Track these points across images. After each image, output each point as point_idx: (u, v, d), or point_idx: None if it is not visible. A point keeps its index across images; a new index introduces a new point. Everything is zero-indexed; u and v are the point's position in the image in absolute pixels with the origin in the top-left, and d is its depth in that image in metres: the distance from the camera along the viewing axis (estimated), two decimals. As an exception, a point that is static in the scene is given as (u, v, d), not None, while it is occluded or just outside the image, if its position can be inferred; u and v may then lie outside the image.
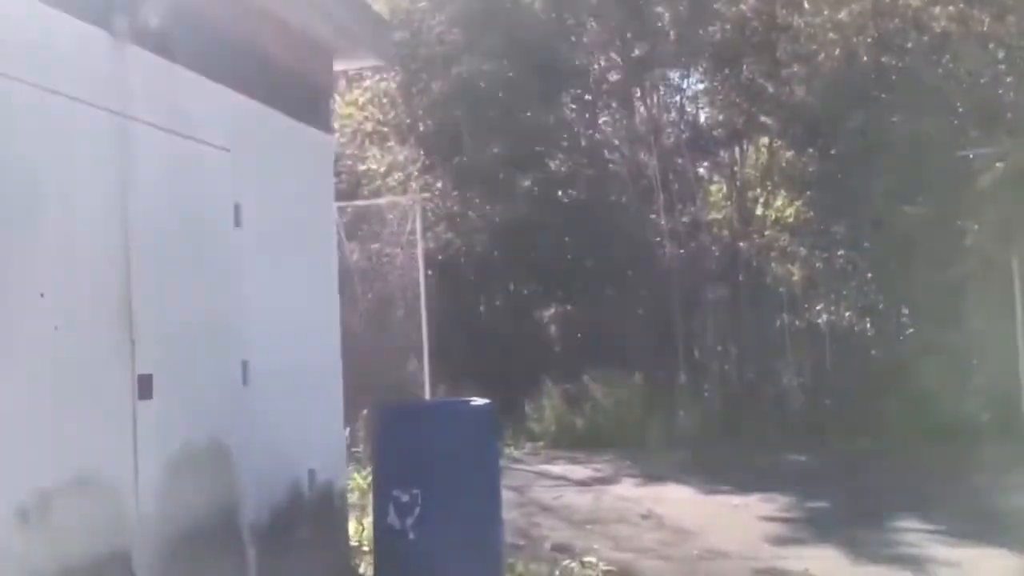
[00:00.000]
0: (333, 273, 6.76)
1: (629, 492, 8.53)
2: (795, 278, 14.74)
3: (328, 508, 6.32)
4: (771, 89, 15.62)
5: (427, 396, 11.62)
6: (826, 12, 13.64)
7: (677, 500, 8.09)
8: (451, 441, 4.81)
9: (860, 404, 11.06)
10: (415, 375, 12.11)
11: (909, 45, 11.73)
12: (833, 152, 13.36)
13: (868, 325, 12.40)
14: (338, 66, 7.03)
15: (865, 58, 12.17)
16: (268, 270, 5.74)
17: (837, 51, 12.37)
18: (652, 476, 9.38)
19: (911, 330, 11.41)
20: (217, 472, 5.17)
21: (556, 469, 10.05)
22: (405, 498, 4.75)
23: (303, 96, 6.47)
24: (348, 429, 9.49)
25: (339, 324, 6.70)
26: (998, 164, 10.17)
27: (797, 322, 12.97)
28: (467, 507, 4.78)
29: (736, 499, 8.03)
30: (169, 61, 5.01)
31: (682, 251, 15.23)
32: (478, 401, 5.20)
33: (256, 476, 5.47)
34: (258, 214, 5.68)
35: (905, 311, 11.76)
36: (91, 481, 4.16)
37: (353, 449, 10.11)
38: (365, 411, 10.48)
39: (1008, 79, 11.13)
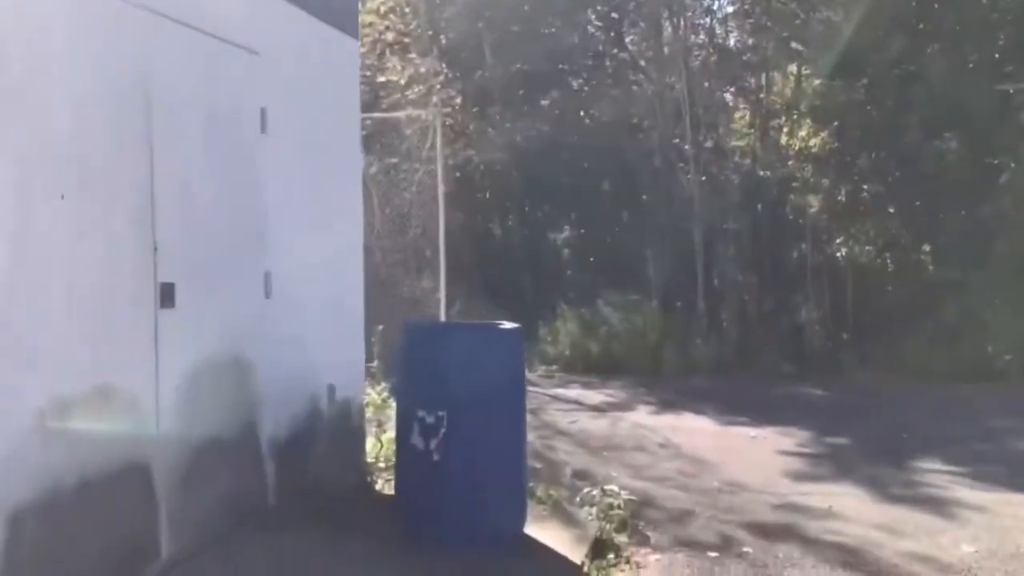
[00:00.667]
0: (357, 186, 6.54)
1: (645, 420, 8.42)
2: (815, 210, 14.49)
3: (347, 424, 6.21)
4: (803, 15, 15.15)
5: (442, 314, 11.48)
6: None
7: (694, 430, 7.98)
8: (480, 365, 4.64)
9: (879, 340, 10.90)
10: (429, 291, 11.96)
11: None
12: (864, 82, 12.94)
13: (889, 261, 12.14)
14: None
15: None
16: (293, 180, 5.53)
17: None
18: (668, 404, 9.26)
19: (933, 267, 11.18)
20: (238, 385, 5.03)
21: (571, 393, 9.93)
22: (431, 419, 4.60)
23: (331, -1, 6.16)
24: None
25: (362, 238, 6.51)
26: (1040, 100, 9.82)
27: (817, 255, 12.72)
28: (493, 432, 4.64)
29: (753, 431, 7.90)
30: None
31: (704, 178, 14.93)
32: (507, 325, 5.02)
33: (276, 390, 5.34)
34: (284, 121, 5.44)
35: (927, 248, 11.50)
36: (111, 390, 4.02)
37: (368, 363, 10.01)
38: (380, 326, 10.36)
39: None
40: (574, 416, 8.59)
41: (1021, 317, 10.08)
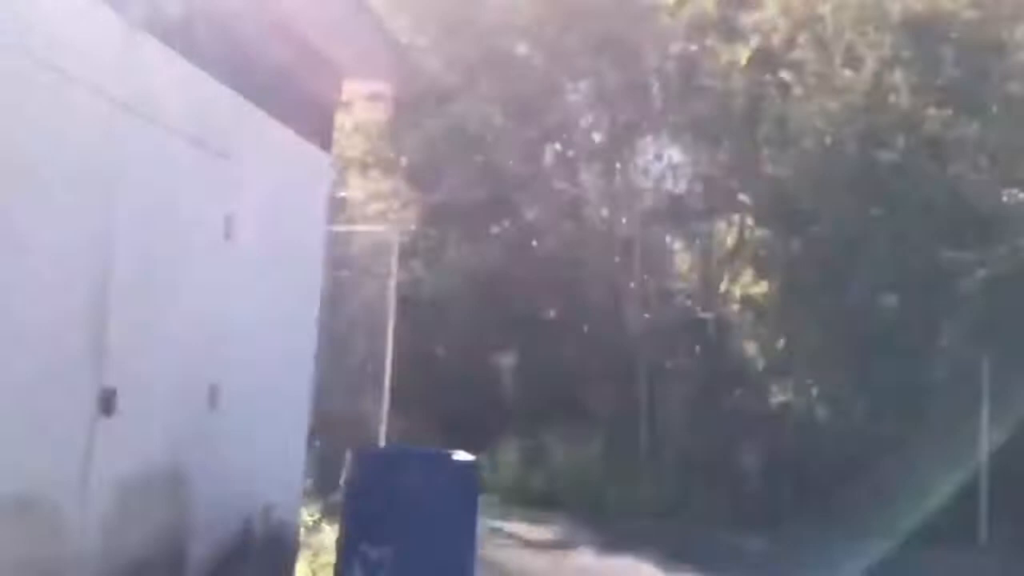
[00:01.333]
0: (316, 301, 6.32)
1: (588, 561, 8.06)
2: (756, 358, 14.58)
3: (280, 548, 5.80)
4: (752, 168, 15.57)
5: (382, 436, 11.09)
6: (815, 100, 13.62)
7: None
8: (432, 500, 4.35)
9: (818, 493, 10.73)
10: (370, 412, 11.56)
11: (899, 142, 11.62)
12: (809, 239, 13.20)
13: (829, 414, 12.11)
14: (350, 86, 6.64)
15: (852, 150, 12.05)
16: (252, 290, 5.28)
17: (827, 139, 12.26)
18: (610, 545, 8.91)
19: (873, 425, 11.16)
20: (171, 501, 4.66)
21: (511, 527, 9.52)
22: (374, 555, 4.26)
23: (310, 111, 6.07)
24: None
25: (314, 354, 6.25)
26: (979, 270, 10.04)
27: (759, 402, 12.67)
28: (441, 572, 4.32)
29: (699, 581, 7.60)
30: (178, 53, 4.58)
31: (648, 316, 14.95)
32: (462, 455, 4.74)
33: (211, 508, 4.97)
34: (249, 228, 5.23)
35: (868, 405, 11.52)
36: (32, 499, 3.64)
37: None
38: (317, 442, 9.92)
39: (993, 188, 11.06)
40: (515, 553, 8.19)
41: (957, 481, 10.03)
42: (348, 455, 4.81)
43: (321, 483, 10.06)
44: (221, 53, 4.97)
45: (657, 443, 11.77)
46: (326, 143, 6.22)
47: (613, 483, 10.93)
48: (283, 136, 5.69)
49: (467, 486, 4.49)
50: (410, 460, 4.62)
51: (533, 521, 9.90)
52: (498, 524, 9.58)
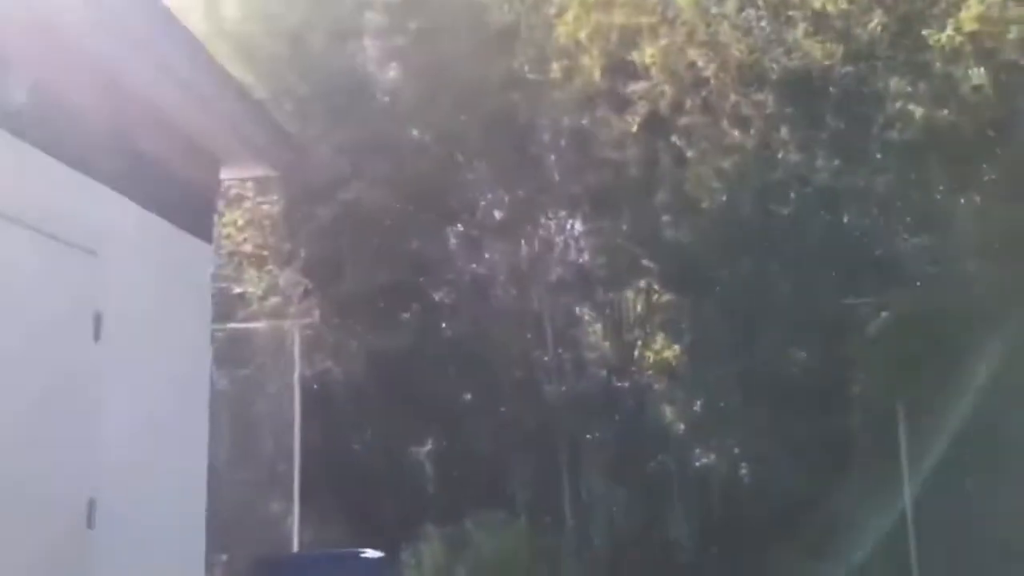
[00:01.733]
0: (204, 401, 5.91)
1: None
2: (673, 422, 14.48)
3: None
4: (653, 235, 15.73)
5: (295, 540, 10.52)
6: (708, 163, 13.88)
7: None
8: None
9: (747, 555, 10.56)
10: (281, 516, 11.00)
11: (792, 196, 11.86)
12: (715, 299, 13.30)
13: (753, 474, 12.02)
14: (227, 173, 6.36)
15: (748, 208, 12.24)
16: (130, 393, 4.88)
17: (723, 198, 12.43)
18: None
19: (792, 482, 11.08)
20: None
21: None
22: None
23: (185, 202, 5.76)
24: (206, 577, 8.34)
25: (206, 459, 5.82)
26: (882, 314, 10.17)
27: (681, 467, 12.52)
28: None
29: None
30: (32, 146, 4.26)
31: (564, 388, 14.76)
32: (369, 554, 4.38)
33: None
34: (123, 327, 4.85)
35: (789, 461, 11.46)
36: None
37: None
38: (224, 556, 9.33)
39: (887, 233, 11.33)
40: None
41: (883, 533, 9.98)
42: (247, 570, 4.41)
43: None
44: (84, 144, 4.66)
45: (582, 519, 11.45)
46: (206, 233, 5.91)
47: (540, 565, 10.54)
48: (158, 228, 5.37)
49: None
50: (309, 565, 4.16)
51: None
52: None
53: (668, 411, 15.06)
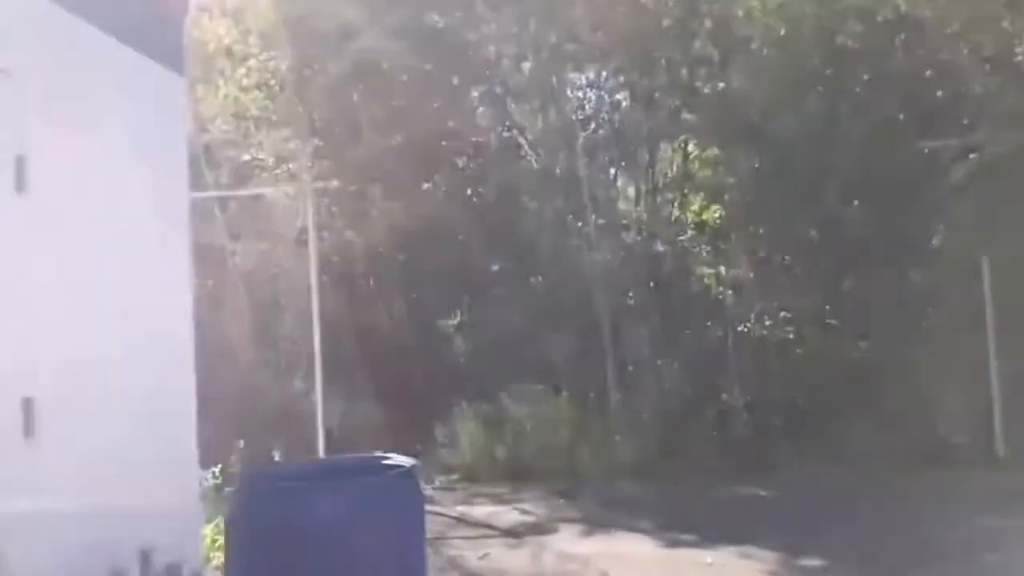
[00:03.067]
0: (182, 266, 4.69)
1: (573, 546, 6.60)
2: (721, 287, 13.33)
3: (173, 605, 4.25)
4: (692, 85, 14.20)
5: (319, 422, 9.57)
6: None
7: (636, 558, 6.21)
8: (360, 533, 2.87)
9: (813, 426, 9.50)
10: (303, 394, 10.03)
11: (858, 29, 10.24)
12: (766, 150, 11.86)
13: (811, 339, 10.84)
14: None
15: (810, 42, 10.64)
16: (70, 258, 3.68)
17: (781, 31, 10.81)
18: (595, 521, 7.46)
19: (863, 346, 9.93)
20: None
21: (477, 512, 8.04)
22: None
23: (142, 18, 4.41)
24: (217, 468, 7.38)
25: (192, 334, 4.65)
26: (970, 156, 8.76)
27: (733, 333, 11.39)
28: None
29: (708, 555, 6.22)
30: None
31: (599, 255, 13.55)
32: (398, 461, 3.23)
33: (53, 568, 3.41)
34: (57, 174, 3.61)
35: (856, 324, 10.27)
36: None
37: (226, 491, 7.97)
38: (242, 442, 8.38)
39: (977, 63, 9.75)
40: (485, 546, 6.74)
41: (967, 394, 8.85)
42: (237, 481, 3.31)
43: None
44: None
45: (628, 391, 10.39)
46: (171, 60, 4.57)
47: (585, 443, 9.54)
48: (103, 48, 4.06)
49: (405, 506, 2.98)
50: (319, 479, 3.08)
51: (502, 501, 8.43)
52: (463, 509, 8.14)
53: (711, 276, 13.89)
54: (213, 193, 11.13)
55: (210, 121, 12.85)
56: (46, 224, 3.52)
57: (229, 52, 12.92)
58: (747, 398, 9.82)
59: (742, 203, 13.57)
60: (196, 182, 12.18)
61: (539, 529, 7.25)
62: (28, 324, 3.43)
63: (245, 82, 13.13)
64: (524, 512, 7.88)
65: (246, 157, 12.63)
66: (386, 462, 3.21)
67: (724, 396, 9.93)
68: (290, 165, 12.68)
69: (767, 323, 11.11)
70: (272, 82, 13.08)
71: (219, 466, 7.36)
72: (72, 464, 3.53)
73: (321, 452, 9.45)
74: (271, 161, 12.78)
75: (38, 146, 3.56)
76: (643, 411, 9.79)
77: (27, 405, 3.39)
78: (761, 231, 12.43)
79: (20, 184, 3.45)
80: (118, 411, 3.81)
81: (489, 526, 7.42)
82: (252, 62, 13.10)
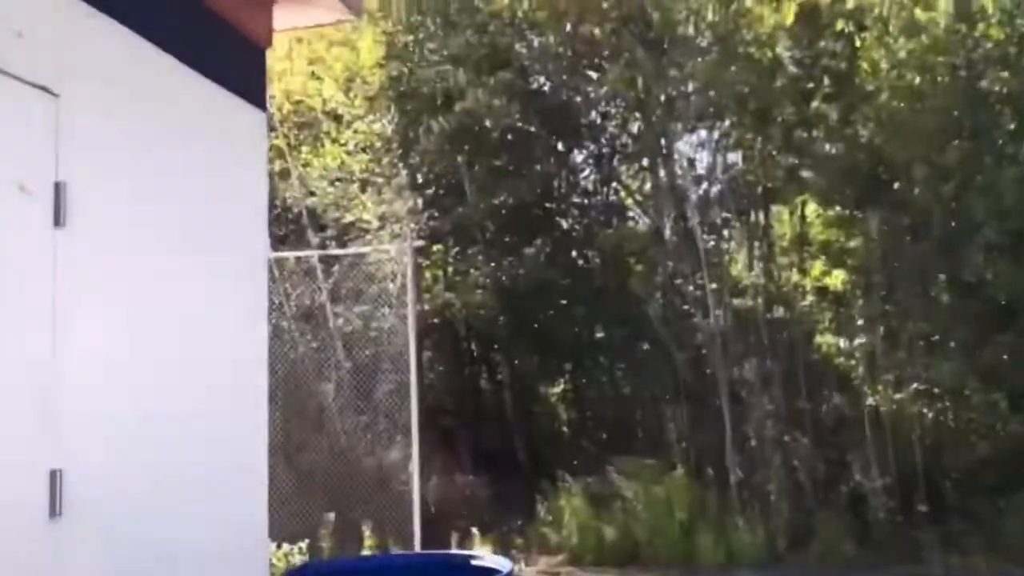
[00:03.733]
0: (255, 318, 4.15)
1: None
2: (850, 354, 12.26)
3: None
4: (810, 139, 13.34)
5: (415, 492, 8.90)
6: (886, 49, 11.37)
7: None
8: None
9: (965, 511, 8.34)
10: (400, 464, 9.40)
11: (1001, 75, 9.28)
12: (897, 206, 10.88)
13: (956, 412, 9.69)
14: (286, 16, 4.53)
15: (949, 89, 9.71)
16: (119, 306, 3.14)
17: (916, 80, 9.93)
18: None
19: (1018, 419, 8.76)
20: None
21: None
22: None
23: (220, 47, 3.97)
24: (304, 544, 6.78)
25: (264, 400, 4.07)
26: None
27: (860, 406, 10.30)
28: None
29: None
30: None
31: (712, 320, 12.65)
32: (488, 559, 2.52)
33: None
34: (106, 205, 3.11)
35: (1007, 395, 9.12)
36: None
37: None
38: (331, 515, 7.77)
39: None
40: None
41: None
42: None
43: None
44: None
45: (751, 468, 9.41)
46: (252, 94, 4.11)
47: (705, 524, 8.59)
48: (173, 74, 3.60)
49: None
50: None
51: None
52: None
53: (834, 344, 12.83)
54: (315, 252, 10.80)
55: (315, 182, 12.67)
56: (87, 260, 2.98)
57: (335, 115, 12.76)
58: (886, 479, 8.72)
59: (869, 266, 12.57)
60: (300, 241, 11.94)
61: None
62: (62, 382, 2.87)
63: (351, 143, 12.93)
64: (637, 604, 6.97)
65: (349, 218, 12.33)
66: (476, 562, 2.49)
67: (858, 476, 8.85)
68: (393, 226, 12.31)
69: (902, 395, 9.99)
70: (377, 144, 12.82)
71: (306, 541, 6.75)
72: (105, 550, 2.93)
73: (416, 526, 8.76)
74: (374, 223, 12.44)
75: (84, 172, 3.04)
76: (768, 491, 8.79)
77: (55, 479, 2.82)
78: (891, 295, 11.36)
79: (59, 217, 2.93)
80: (178, 490, 3.21)
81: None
82: (358, 124, 12.90)
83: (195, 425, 3.35)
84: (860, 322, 11.59)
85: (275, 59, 12.70)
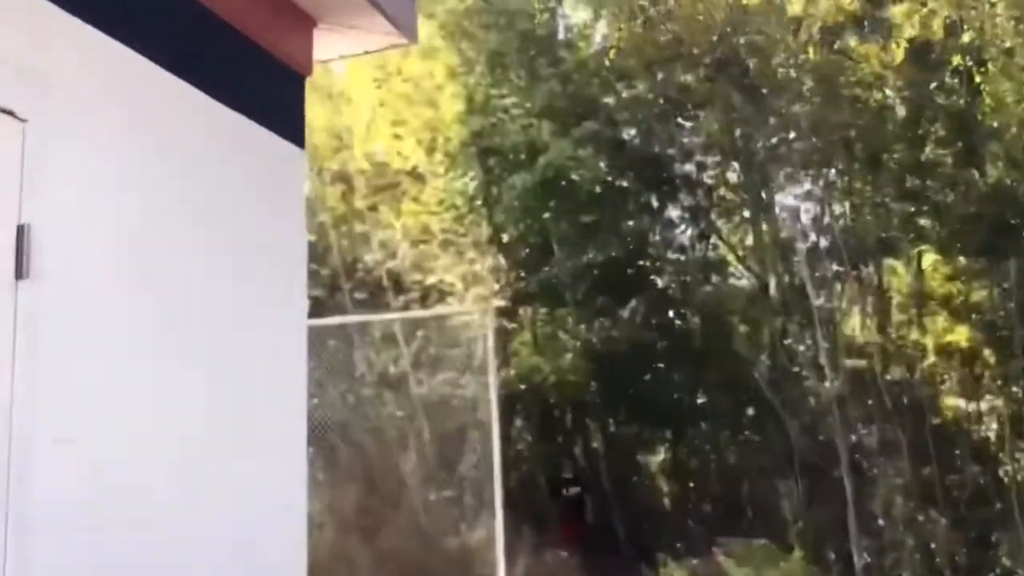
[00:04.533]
0: (299, 396, 3.52)
1: None
2: (981, 421, 11.08)
3: None
4: (930, 186, 12.31)
5: (501, 573, 8.14)
6: (1011, 80, 10.42)
7: None
8: None
9: None
10: (484, 545, 8.65)
11: None
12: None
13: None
14: (328, 46, 4.00)
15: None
16: (93, 394, 2.56)
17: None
18: None
19: None
20: None
21: None
22: None
23: (248, 71, 3.44)
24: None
25: (303, 479, 3.42)
26: None
27: (1007, 478, 9.14)
28: None
29: None
30: None
31: (825, 383, 11.60)
32: None
33: None
34: (83, 254, 2.54)
35: None
36: None
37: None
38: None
39: None
40: None
41: None
42: None
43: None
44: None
45: (878, 551, 8.32)
46: (285, 127, 3.55)
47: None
48: (183, 99, 3.08)
49: None
50: None
51: None
52: None
53: (962, 407, 11.63)
54: (397, 315, 10.27)
55: (395, 243, 12.25)
56: (56, 325, 2.39)
57: (414, 173, 12.38)
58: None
59: (998, 321, 11.45)
60: (378, 303, 11.47)
61: None
62: (23, 475, 2.28)
63: (431, 202, 12.50)
64: None
65: (431, 280, 11.83)
66: None
67: (1006, 560, 7.68)
68: (476, 288, 11.76)
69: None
70: (459, 202, 12.36)
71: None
72: None
73: (501, 615, 7.98)
74: (457, 284, 11.91)
75: (54, 212, 2.48)
76: (896, 570, 7.68)
77: None
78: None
79: (21, 269, 2.37)
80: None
81: None
82: (439, 182, 12.48)
83: (212, 517, 2.75)
84: (998, 382, 10.44)
85: (355, 117, 12.47)
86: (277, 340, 3.38)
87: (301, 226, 3.63)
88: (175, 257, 2.92)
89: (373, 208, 12.37)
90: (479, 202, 12.18)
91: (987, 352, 12.03)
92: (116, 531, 2.44)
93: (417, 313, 9.71)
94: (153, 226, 2.84)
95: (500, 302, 10.04)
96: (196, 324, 2.96)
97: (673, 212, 14.68)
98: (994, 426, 10.11)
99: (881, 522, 8.06)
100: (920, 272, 13.28)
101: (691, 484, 12.12)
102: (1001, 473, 9.48)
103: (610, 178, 12.99)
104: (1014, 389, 10.61)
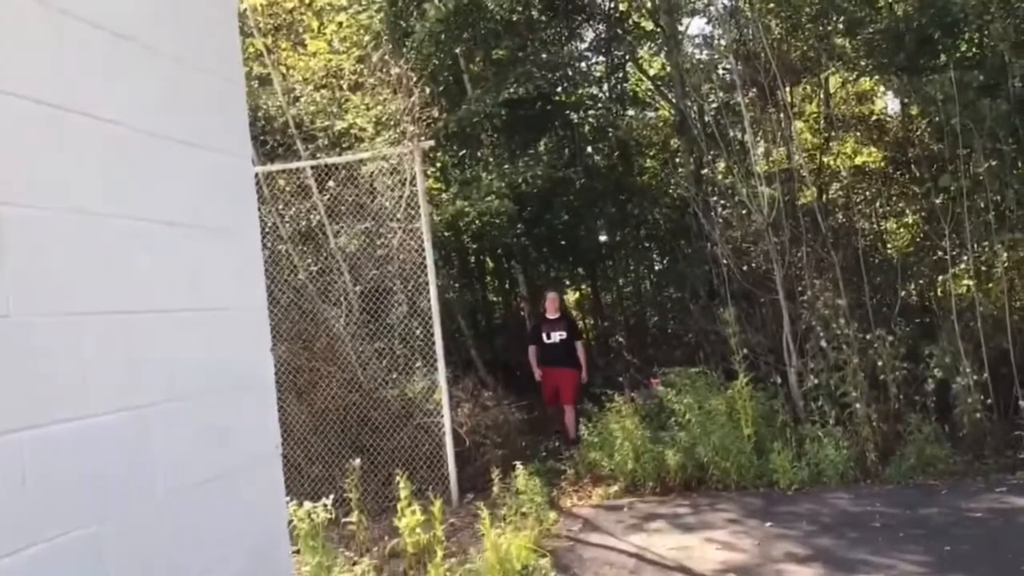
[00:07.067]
0: (251, 245, 2.94)
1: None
2: (903, 238, 11.17)
3: None
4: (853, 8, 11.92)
5: (447, 422, 7.86)
6: None
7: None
8: None
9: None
10: (426, 393, 8.33)
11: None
12: (945, 70, 9.53)
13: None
14: None
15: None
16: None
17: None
18: (832, 559, 5.51)
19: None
20: None
21: (659, 543, 6.14)
22: None
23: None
24: (329, 500, 5.73)
25: (266, 320, 2.89)
26: None
27: (935, 293, 9.20)
28: None
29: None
30: None
31: (755, 209, 11.43)
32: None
33: None
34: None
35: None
36: None
37: (345, 520, 6.30)
38: (357, 461, 6.70)
39: None
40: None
41: None
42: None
43: (371, 510, 6.85)
44: None
45: (826, 373, 8.28)
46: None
47: (776, 436, 7.56)
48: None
49: None
50: None
51: (689, 526, 6.49)
52: (636, 540, 6.28)
53: (889, 226, 11.72)
54: (306, 163, 9.47)
55: (300, 88, 11.29)
56: None
57: (313, 7, 11.28)
58: (975, 374, 7.63)
59: (906, 141, 11.41)
60: (288, 155, 10.61)
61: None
62: None
63: (335, 40, 11.48)
64: (725, 544, 5.93)
65: (341, 125, 10.99)
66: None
67: (937, 372, 7.77)
68: (389, 132, 10.98)
69: (976, 278, 8.84)
70: (366, 38, 11.37)
71: (331, 497, 5.71)
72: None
73: (450, 463, 7.74)
74: (368, 129, 11.10)
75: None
76: (855, 398, 7.67)
77: None
78: (950, 167, 10.10)
79: None
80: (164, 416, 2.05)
81: (684, 570, 5.51)
82: (342, 16, 11.43)
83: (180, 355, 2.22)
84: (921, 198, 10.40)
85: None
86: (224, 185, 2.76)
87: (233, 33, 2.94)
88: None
89: (271, 50, 11.30)
90: (387, 39, 11.23)
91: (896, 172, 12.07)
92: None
93: (333, 159, 8.96)
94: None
95: (425, 144, 9.34)
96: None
97: (586, 42, 14.04)
98: (922, 246, 10.12)
99: (822, 343, 8.01)
100: (830, 94, 13.16)
101: (623, 319, 12.00)
102: (923, 288, 9.56)
103: (520, 7, 12.16)
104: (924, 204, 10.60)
